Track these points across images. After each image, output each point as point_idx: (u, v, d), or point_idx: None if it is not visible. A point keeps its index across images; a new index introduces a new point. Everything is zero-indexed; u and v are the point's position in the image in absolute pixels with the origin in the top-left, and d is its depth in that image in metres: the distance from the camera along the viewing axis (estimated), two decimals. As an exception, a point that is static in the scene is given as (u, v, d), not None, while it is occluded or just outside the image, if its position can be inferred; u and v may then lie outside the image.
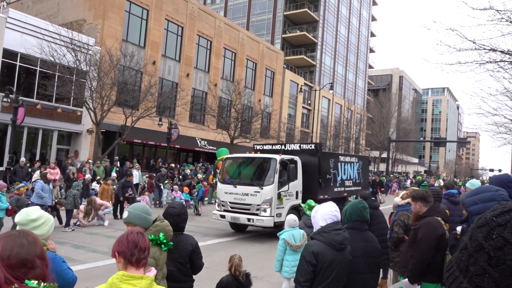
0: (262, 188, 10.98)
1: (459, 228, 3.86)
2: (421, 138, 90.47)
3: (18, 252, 1.50)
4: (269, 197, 10.89)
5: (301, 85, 44.69)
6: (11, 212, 9.60)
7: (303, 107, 48.26)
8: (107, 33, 23.59)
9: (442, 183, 26.98)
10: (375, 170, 53.66)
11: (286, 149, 13.00)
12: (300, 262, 2.85)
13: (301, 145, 13.36)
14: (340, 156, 14.35)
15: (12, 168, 15.68)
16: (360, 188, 15.25)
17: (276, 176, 11.06)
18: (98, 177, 16.85)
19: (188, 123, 29.28)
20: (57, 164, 17.44)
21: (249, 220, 11.08)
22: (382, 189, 24.49)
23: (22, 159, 16.47)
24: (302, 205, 6.61)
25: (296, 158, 12.00)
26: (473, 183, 6.77)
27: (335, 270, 2.82)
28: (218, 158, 13.98)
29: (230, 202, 11.48)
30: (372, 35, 72.16)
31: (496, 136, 20.09)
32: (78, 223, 12.14)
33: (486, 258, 0.86)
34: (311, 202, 6.46)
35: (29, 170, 16.09)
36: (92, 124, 20.41)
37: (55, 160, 20.52)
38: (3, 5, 23.33)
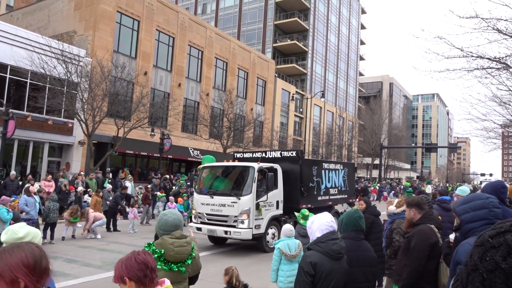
0: (239, 199, 10.45)
1: (452, 236, 3.89)
2: (413, 144, 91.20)
3: (45, 262, 1.54)
4: (247, 208, 10.36)
5: (293, 94, 44.94)
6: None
7: (295, 115, 48.47)
8: (98, 44, 23.56)
9: (430, 189, 27.19)
10: (368, 176, 53.91)
11: (267, 156, 12.52)
12: (298, 273, 2.85)
13: (282, 152, 12.76)
14: (323, 163, 13.75)
15: (2, 181, 15.45)
16: (346, 196, 14.83)
17: (254, 185, 10.56)
18: (89, 190, 16.71)
19: (180, 133, 29.23)
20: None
21: (226, 232, 10.50)
22: (364, 196, 24.11)
23: (13, 172, 16.26)
24: (296, 214, 6.57)
25: (276, 166, 11.53)
26: (463, 190, 6.84)
27: (334, 280, 2.84)
28: (199, 167, 13.40)
29: (206, 214, 10.88)
30: (362, 43, 73.01)
31: (486, 141, 20.34)
32: (73, 233, 12.01)
33: (480, 278, 0.87)
34: (305, 211, 6.47)
35: (20, 183, 15.90)
36: (84, 136, 20.27)
37: (47, 172, 20.29)
38: (-7, 18, 23.22)
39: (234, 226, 10.40)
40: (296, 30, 52.25)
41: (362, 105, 68.84)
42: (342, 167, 14.79)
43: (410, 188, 26.57)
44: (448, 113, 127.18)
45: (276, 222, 11.34)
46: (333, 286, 2.82)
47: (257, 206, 10.50)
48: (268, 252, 10.53)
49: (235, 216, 10.42)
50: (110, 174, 20.74)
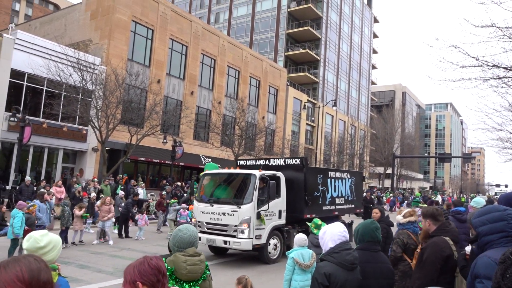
0: (239, 207, 10.01)
1: (468, 248, 3.80)
2: (426, 154, 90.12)
3: (44, 276, 1.49)
4: (247, 217, 9.92)
5: (305, 102, 44.91)
6: (28, 232, 9.70)
7: (306, 123, 48.38)
8: (113, 52, 23.95)
9: (440, 198, 26.73)
10: (380, 186, 53.34)
11: (270, 164, 12.11)
12: (312, 284, 2.82)
13: (286, 160, 12.29)
14: (329, 172, 13.32)
15: (18, 187, 15.71)
16: (353, 206, 14.31)
17: (256, 193, 10.11)
18: (102, 196, 16.87)
19: (192, 141, 29.39)
20: (63, 182, 17.47)
21: (225, 242, 10.02)
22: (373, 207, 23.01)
23: (28, 178, 16.52)
24: (309, 224, 6.50)
25: (279, 174, 11.16)
26: (478, 202, 6.71)
27: None
28: (200, 174, 12.98)
29: (206, 223, 10.45)
30: (374, 52, 72.80)
31: (501, 151, 19.95)
32: (80, 238, 12.12)
33: None
34: (317, 221, 6.41)
35: (35, 189, 16.13)
36: (97, 143, 20.52)
37: (61, 178, 20.57)
38: (12, 27, 23.82)
39: (234, 236, 9.97)
40: (308, 39, 52.40)
41: (374, 114, 68.41)
42: (349, 176, 14.24)
43: (417, 198, 26.06)
44: (462, 123, 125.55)
45: (279, 232, 10.89)
46: None
47: (258, 215, 10.07)
48: (269, 263, 10.27)
49: (235, 226, 9.99)
50: (123, 180, 20.88)
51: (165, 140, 23.75)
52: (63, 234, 11.41)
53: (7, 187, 17.23)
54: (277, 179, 10.94)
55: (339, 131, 53.73)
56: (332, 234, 2.95)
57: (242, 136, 27.70)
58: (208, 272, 2.88)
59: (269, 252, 10.50)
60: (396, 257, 4.69)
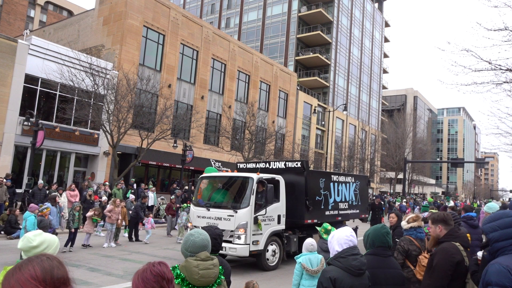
0: (236, 212, 9.67)
1: (480, 254, 3.74)
2: (438, 159, 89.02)
3: (58, 272, 1.51)
4: (244, 222, 9.58)
5: (315, 106, 44.82)
6: None
7: (317, 128, 48.24)
8: (124, 57, 24.24)
9: (452, 204, 26.30)
10: (391, 191, 52.81)
11: (270, 167, 11.76)
12: None
13: (286, 163, 11.75)
14: (332, 176, 12.85)
15: (30, 190, 15.94)
16: (358, 211, 13.83)
17: (253, 197, 9.76)
18: (113, 199, 17.01)
19: (202, 145, 29.51)
20: (75, 186, 17.67)
21: (221, 248, 9.83)
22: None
23: (40, 181, 16.76)
24: (318, 228, 6.44)
25: (278, 177, 10.78)
26: (491, 207, 6.59)
27: None
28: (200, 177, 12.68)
29: (202, 228, 10.31)
30: (385, 56, 72.39)
31: (515, 156, 19.61)
32: (87, 243, 12.21)
33: None
34: (327, 225, 6.36)
35: (47, 192, 16.34)
36: (109, 147, 20.74)
37: (72, 182, 20.82)
38: (27, 33, 24.29)
39: (230, 242, 9.58)
40: (318, 43, 52.37)
41: (385, 119, 67.92)
42: (353, 180, 13.73)
43: (426, 202, 25.53)
44: (475, 127, 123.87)
45: (278, 238, 10.48)
46: None
47: (256, 220, 9.69)
48: (267, 271, 9.95)
49: (231, 231, 9.62)
50: (135, 185, 21.05)
51: (175, 144, 23.90)
52: (71, 237, 11.51)
53: (20, 191, 17.48)
54: (276, 182, 10.62)
55: (350, 136, 53.43)
56: (339, 238, 2.91)
57: (252, 141, 27.73)
58: (222, 277, 2.80)
59: (267, 259, 10.14)
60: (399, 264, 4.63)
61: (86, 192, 16.29)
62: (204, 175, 11.67)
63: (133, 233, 14.05)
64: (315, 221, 11.26)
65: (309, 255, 5.27)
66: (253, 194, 9.79)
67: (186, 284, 2.61)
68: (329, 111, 46.33)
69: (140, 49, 25.70)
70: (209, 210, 10.21)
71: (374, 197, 20.13)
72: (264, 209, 9.94)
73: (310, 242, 5.43)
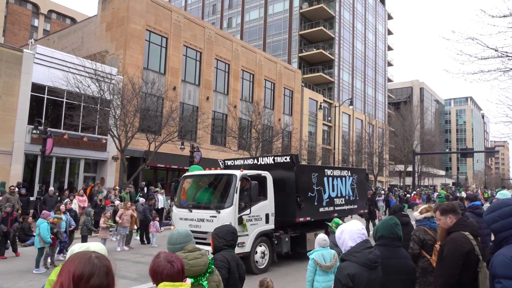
0: (218, 212, 9.04)
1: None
2: (447, 150, 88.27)
3: (95, 281, 1.52)
4: (227, 223, 8.88)
5: (320, 102, 44.68)
6: (54, 243, 9.99)
7: (323, 124, 48.10)
8: (128, 62, 24.37)
9: (464, 195, 26.07)
10: (401, 184, 52.50)
11: (258, 163, 11.15)
12: (336, 285, 2.76)
13: (275, 158, 11.02)
14: (326, 170, 12.09)
15: (42, 197, 16.11)
16: (355, 206, 13.04)
17: (236, 196, 9.11)
18: (121, 203, 17.12)
19: (209, 146, 29.58)
20: (85, 191, 17.82)
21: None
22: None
23: (51, 188, 16.92)
24: (329, 224, 6.41)
25: (265, 173, 10.19)
26: (504, 194, 6.52)
27: None
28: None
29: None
30: (390, 48, 71.94)
31: (526, 144, 19.36)
32: None
33: None
34: (338, 220, 6.34)
35: (58, 198, 16.49)
36: (117, 151, 20.87)
37: (83, 187, 21.00)
38: (31, 42, 24.52)
39: None
40: (321, 39, 52.19)
41: (392, 112, 67.51)
42: (349, 174, 12.96)
43: (442, 195, 25.34)
44: (483, 117, 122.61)
45: (267, 238, 9.81)
46: None
47: (240, 221, 9.03)
48: (256, 274, 9.15)
49: None
50: (145, 188, 21.14)
51: (182, 146, 23.98)
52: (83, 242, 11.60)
53: (32, 198, 17.67)
54: (263, 179, 9.99)
55: (357, 130, 53.21)
56: (351, 232, 2.87)
57: (259, 139, 27.72)
58: (213, 266, 2.95)
59: (256, 261, 9.48)
60: (414, 254, 4.63)
61: (97, 197, 16.41)
62: (186, 174, 11.02)
63: (144, 236, 14.13)
64: (308, 219, 10.76)
65: (322, 251, 5.26)
66: (236, 193, 9.14)
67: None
68: (335, 107, 46.16)
69: (144, 53, 25.81)
70: (191, 211, 9.57)
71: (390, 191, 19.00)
72: (249, 209, 9.26)
73: (322, 237, 5.42)
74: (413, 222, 6.51)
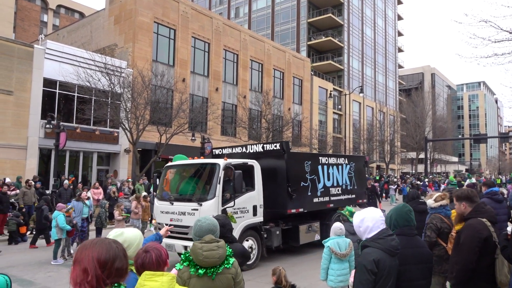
0: (200, 205, 8.43)
1: (509, 229, 3.68)
2: (459, 136, 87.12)
3: (119, 263, 1.64)
4: (210, 216, 8.34)
5: (330, 91, 44.34)
6: (71, 233, 10.23)
7: (333, 112, 47.80)
8: (137, 55, 24.43)
9: (474, 180, 25.71)
10: (413, 171, 52.09)
11: (247, 151, 10.54)
12: (360, 272, 2.78)
13: (265, 145, 10.40)
14: (320, 157, 11.32)
15: (57, 191, 16.39)
16: (353, 196, 12.23)
17: (219, 187, 8.50)
18: (135, 195, 17.32)
19: (220, 137, 29.65)
20: (99, 184, 18.09)
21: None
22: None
23: (66, 181, 17.20)
24: (342, 212, 6.39)
25: (252, 162, 9.57)
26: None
27: (393, 277, 2.79)
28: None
29: (166, 224, 8.64)
30: (400, 34, 70.79)
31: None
32: None
33: None
34: (351, 209, 6.34)
35: (73, 191, 16.77)
36: (129, 144, 21.07)
37: (97, 180, 21.29)
38: (41, 38, 24.71)
39: None
40: (330, 26, 51.57)
41: (403, 98, 66.72)
42: (346, 162, 12.17)
43: (453, 182, 24.99)
44: (496, 101, 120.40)
45: (255, 232, 9.18)
46: (391, 283, 2.75)
47: (225, 214, 8.27)
48: (244, 270, 8.23)
49: None
50: (158, 179, 21.31)
51: (193, 138, 24.09)
52: (99, 235, 11.84)
53: (48, 191, 17.99)
54: (250, 168, 9.38)
55: (368, 118, 52.77)
56: (374, 219, 2.89)
57: (269, 129, 27.69)
58: (232, 259, 2.91)
59: None
60: (431, 242, 4.62)
61: (110, 190, 16.64)
62: (168, 164, 10.36)
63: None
64: (301, 210, 10.18)
65: (337, 239, 5.28)
66: (219, 183, 8.51)
67: (193, 265, 2.80)
68: (345, 95, 45.79)
69: (152, 45, 25.84)
70: (172, 204, 8.96)
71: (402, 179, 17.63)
72: (233, 201, 8.60)
73: (339, 226, 5.43)
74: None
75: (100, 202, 14.18)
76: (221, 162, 8.79)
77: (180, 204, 8.87)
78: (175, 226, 8.06)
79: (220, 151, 11.30)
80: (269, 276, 4.67)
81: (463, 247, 3.46)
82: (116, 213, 12.42)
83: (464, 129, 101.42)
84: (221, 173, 8.61)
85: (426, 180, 32.45)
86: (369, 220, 2.89)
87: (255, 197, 9.32)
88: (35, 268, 9.35)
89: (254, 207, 9.25)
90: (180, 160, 10.47)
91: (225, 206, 8.53)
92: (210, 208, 8.30)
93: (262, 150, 10.27)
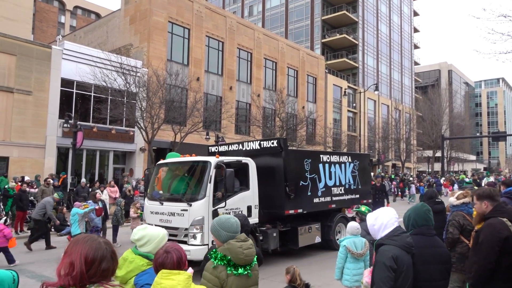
0: (190, 205, 7.94)
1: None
2: (477, 134, 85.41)
3: (105, 265, 1.67)
4: (200, 217, 7.81)
5: (345, 89, 43.96)
6: (100, 212, 10.77)
7: (348, 110, 47.39)
8: (152, 54, 24.66)
9: (492, 179, 25.13)
10: (429, 170, 51.32)
11: (244, 149, 10.00)
12: (379, 270, 2.78)
13: (262, 142, 9.83)
14: (321, 155, 10.77)
15: (74, 189, 16.70)
16: (357, 196, 11.68)
17: (210, 186, 8.03)
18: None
19: (234, 135, 29.72)
20: (115, 182, 18.33)
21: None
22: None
23: (83, 180, 17.51)
24: (361, 211, 6.30)
25: (247, 160, 9.07)
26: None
27: (411, 274, 2.80)
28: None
29: (156, 226, 8.47)
30: (416, 30, 69.71)
31: None
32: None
33: None
34: (367, 208, 6.29)
35: (90, 190, 17.04)
36: (144, 143, 21.30)
37: (113, 178, 21.60)
38: (59, 38, 25.17)
39: (185, 242, 7.71)
40: (344, 23, 51.10)
41: (419, 96, 65.72)
42: (350, 160, 11.57)
43: (470, 179, 24.44)
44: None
45: (251, 235, 8.42)
46: (410, 281, 2.78)
47: (216, 214, 7.73)
48: None
49: (186, 229, 7.86)
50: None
51: (207, 136, 24.21)
52: (115, 233, 11.97)
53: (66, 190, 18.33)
54: (244, 166, 8.91)
55: (383, 116, 52.17)
56: (390, 217, 2.94)
57: (283, 128, 27.62)
58: (244, 257, 2.93)
59: None
60: (454, 239, 4.58)
61: (126, 188, 16.84)
62: (160, 162, 9.88)
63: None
64: (300, 211, 9.66)
65: (354, 238, 5.25)
66: (210, 182, 8.05)
67: (232, 264, 2.77)
68: (360, 92, 45.35)
69: (167, 45, 26.04)
70: (162, 204, 8.51)
71: (375, 178, 16.24)
72: (224, 201, 8.09)
73: (355, 226, 5.40)
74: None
75: (116, 200, 14.36)
76: (213, 160, 8.33)
77: (170, 204, 8.43)
78: (164, 227, 7.48)
79: (216, 149, 10.87)
80: (282, 275, 4.67)
81: (482, 246, 3.40)
82: (131, 211, 12.57)
83: (483, 127, 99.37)
84: (212, 172, 8.14)
85: (443, 179, 31.90)
86: (384, 217, 2.93)
87: (249, 197, 8.82)
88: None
89: (249, 208, 8.74)
90: (170, 158, 10.02)
91: (216, 207, 8.04)
92: (200, 209, 7.91)
93: (258, 147, 9.76)
